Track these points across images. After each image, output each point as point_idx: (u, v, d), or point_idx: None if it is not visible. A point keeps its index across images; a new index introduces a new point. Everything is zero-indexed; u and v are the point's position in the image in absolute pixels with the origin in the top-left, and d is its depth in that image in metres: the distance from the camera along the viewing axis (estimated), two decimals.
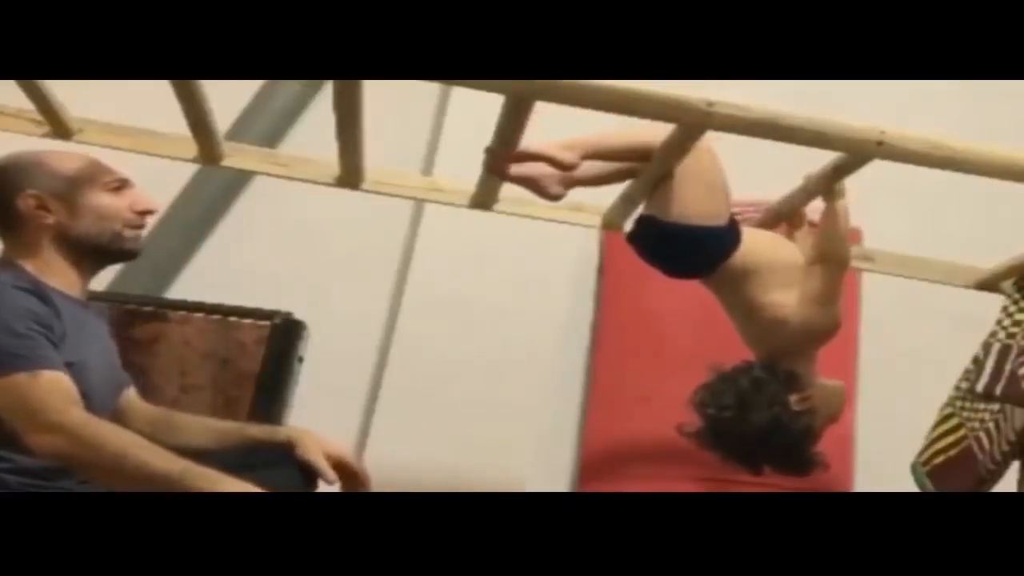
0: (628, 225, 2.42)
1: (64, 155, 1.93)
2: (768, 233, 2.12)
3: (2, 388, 1.65)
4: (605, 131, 1.96)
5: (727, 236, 1.95)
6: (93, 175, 1.89)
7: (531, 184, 1.95)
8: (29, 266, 1.82)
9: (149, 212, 1.95)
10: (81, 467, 1.68)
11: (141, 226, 1.93)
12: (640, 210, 2.08)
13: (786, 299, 1.93)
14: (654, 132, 1.85)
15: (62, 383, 1.67)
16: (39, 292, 1.76)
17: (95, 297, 2.04)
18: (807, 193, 2.15)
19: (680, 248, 1.97)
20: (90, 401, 1.78)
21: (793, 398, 1.90)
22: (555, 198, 1.99)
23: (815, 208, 2.40)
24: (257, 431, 2.02)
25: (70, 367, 1.73)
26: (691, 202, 1.92)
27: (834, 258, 1.94)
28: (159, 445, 1.68)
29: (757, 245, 1.98)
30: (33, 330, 1.69)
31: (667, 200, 1.94)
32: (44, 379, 1.65)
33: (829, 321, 1.96)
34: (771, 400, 1.89)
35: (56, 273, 1.83)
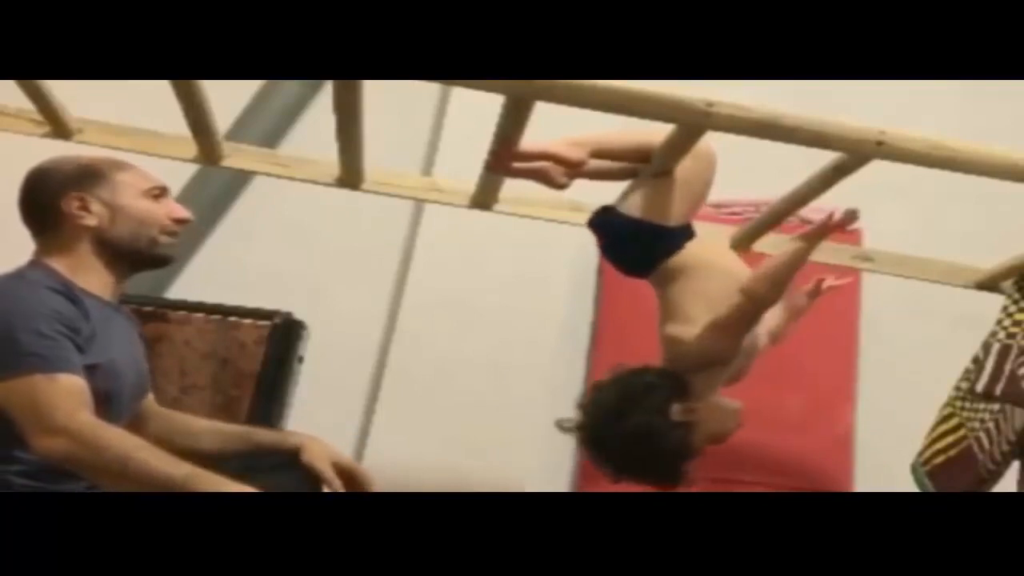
0: None
1: (109, 160, 1.96)
2: (722, 248, 2.03)
3: (18, 387, 1.65)
4: (611, 130, 1.94)
5: (670, 237, 1.87)
6: (135, 181, 1.92)
7: (538, 176, 1.93)
8: (62, 266, 1.83)
9: (184, 221, 1.98)
10: (85, 470, 1.67)
11: (176, 233, 1.96)
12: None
13: (697, 314, 1.82)
14: (659, 133, 1.83)
15: (76, 387, 1.68)
16: (69, 293, 1.77)
17: None
18: (807, 193, 2.15)
19: (621, 240, 1.93)
20: (116, 403, 1.81)
21: (676, 407, 1.78)
22: (562, 187, 1.97)
23: (814, 208, 2.40)
24: (265, 436, 2.04)
25: (97, 368, 1.74)
26: (647, 197, 1.87)
27: (752, 294, 1.76)
28: (176, 449, 1.70)
29: (701, 254, 1.87)
30: (58, 331, 1.70)
31: (628, 191, 1.91)
32: (60, 382, 1.66)
33: (722, 350, 1.81)
34: (653, 407, 1.78)
35: (90, 274, 1.85)
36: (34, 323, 1.69)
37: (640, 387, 1.84)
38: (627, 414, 1.79)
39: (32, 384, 1.64)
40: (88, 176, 1.88)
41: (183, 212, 1.97)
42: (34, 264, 1.85)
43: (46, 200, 1.86)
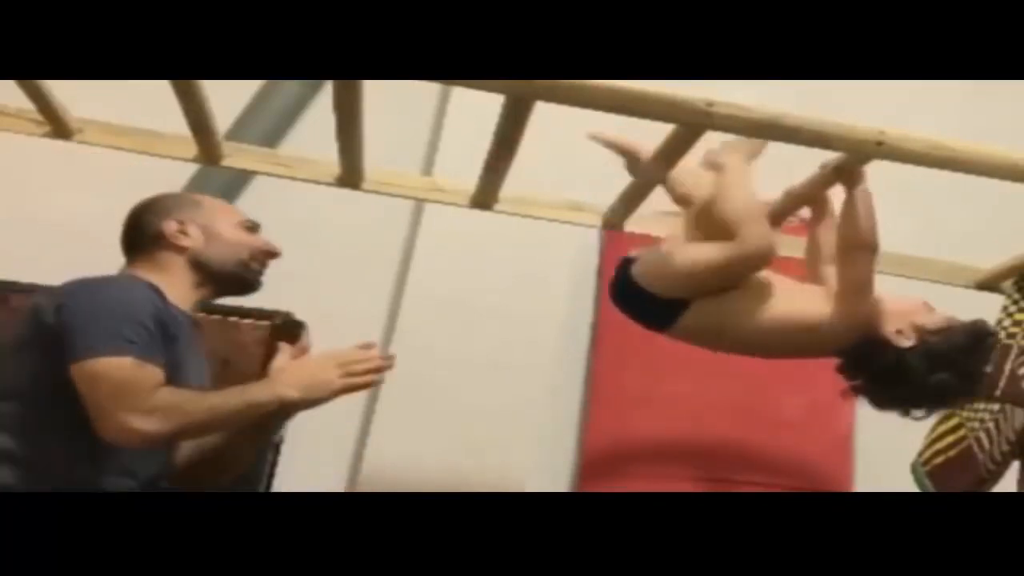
0: (628, 226, 2.43)
1: (209, 198, 2.14)
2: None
3: (109, 366, 1.72)
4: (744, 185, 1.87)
5: (665, 309, 1.87)
6: (230, 213, 2.10)
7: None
8: (154, 279, 1.93)
9: (274, 255, 2.09)
10: (173, 439, 1.84)
11: (265, 264, 2.07)
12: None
13: (806, 304, 1.85)
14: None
15: (159, 378, 1.76)
16: (163, 298, 1.88)
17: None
18: (804, 194, 2.15)
19: (631, 301, 1.92)
20: None
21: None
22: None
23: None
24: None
25: (170, 368, 1.81)
26: (662, 271, 1.85)
27: (863, 245, 1.83)
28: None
29: (705, 306, 1.85)
30: (151, 325, 1.79)
31: (649, 256, 1.89)
32: (148, 370, 1.74)
33: (867, 309, 1.83)
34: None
35: (177, 290, 1.95)
36: (131, 310, 1.79)
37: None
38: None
39: (122, 365, 1.72)
40: (188, 204, 2.04)
41: (274, 247, 2.09)
42: (127, 275, 1.96)
43: (148, 223, 2.00)
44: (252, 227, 2.08)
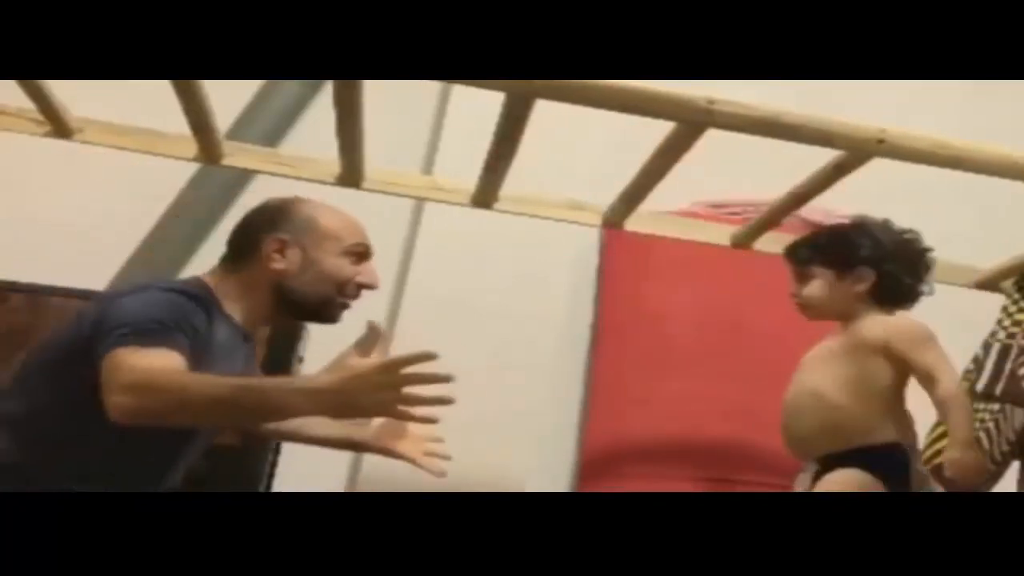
0: (628, 225, 2.43)
1: (330, 210, 1.95)
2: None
3: (113, 358, 1.63)
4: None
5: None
6: (342, 236, 1.92)
7: None
8: (224, 288, 1.85)
9: (370, 287, 1.97)
10: (155, 418, 1.63)
11: (356, 297, 1.95)
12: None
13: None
14: None
15: (165, 355, 1.65)
16: (207, 306, 1.78)
17: (94, 297, 2.05)
18: (807, 191, 2.15)
19: None
20: None
21: None
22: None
23: (812, 208, 2.40)
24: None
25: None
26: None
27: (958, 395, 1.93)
28: None
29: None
30: (175, 322, 1.70)
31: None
32: (149, 353, 1.63)
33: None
34: None
35: (245, 306, 1.86)
36: (155, 314, 1.69)
37: None
38: None
39: (126, 354, 1.63)
40: (297, 220, 1.90)
41: (373, 279, 1.97)
42: (197, 278, 1.89)
43: (251, 232, 1.90)
44: (362, 253, 1.95)
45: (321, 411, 1.65)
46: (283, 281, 1.87)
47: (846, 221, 2.12)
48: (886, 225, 2.05)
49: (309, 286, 1.88)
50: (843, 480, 1.86)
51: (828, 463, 1.92)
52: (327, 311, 1.92)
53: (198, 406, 1.62)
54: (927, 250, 2.07)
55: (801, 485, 1.96)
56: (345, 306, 1.94)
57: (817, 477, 1.92)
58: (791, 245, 2.09)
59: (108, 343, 1.66)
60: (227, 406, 1.63)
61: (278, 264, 1.87)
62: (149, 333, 1.67)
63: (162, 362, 1.63)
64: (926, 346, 1.93)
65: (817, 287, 2.03)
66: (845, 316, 2.03)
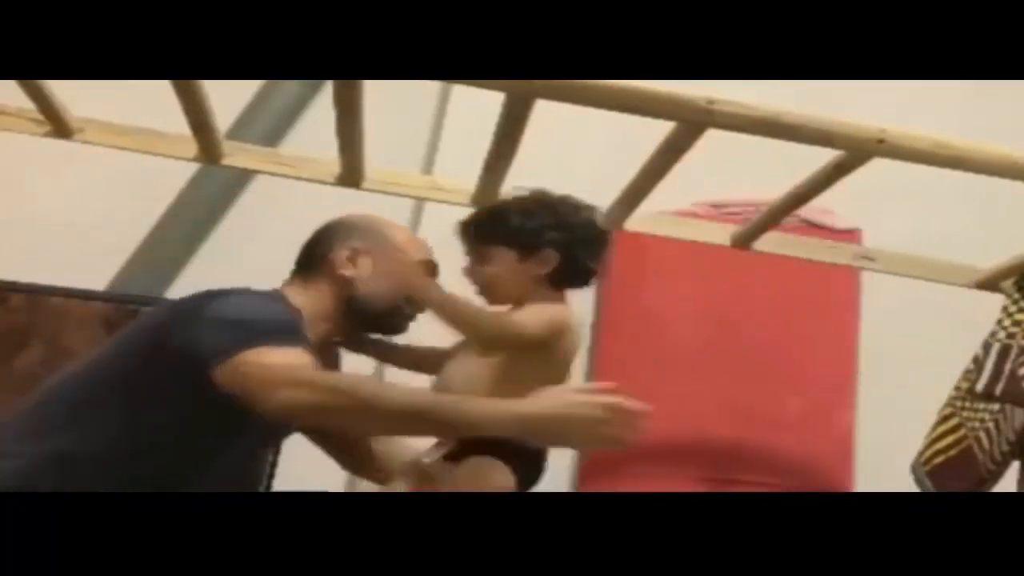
0: (628, 226, 2.43)
1: (399, 226, 2.01)
2: None
3: (251, 357, 1.63)
4: None
5: None
6: (411, 251, 1.94)
7: None
8: (299, 301, 1.85)
9: None
10: (331, 417, 1.66)
11: (421, 312, 1.90)
12: None
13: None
14: None
15: (308, 359, 1.66)
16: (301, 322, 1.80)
17: (94, 297, 2.05)
18: (807, 191, 2.15)
19: None
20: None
21: None
22: None
23: (812, 208, 2.40)
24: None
25: None
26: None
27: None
28: None
29: None
30: (296, 329, 1.74)
31: None
32: (295, 352, 1.65)
33: None
34: None
35: (312, 314, 1.85)
36: (277, 315, 1.74)
37: None
38: None
39: (266, 352, 1.63)
40: (368, 233, 1.93)
41: None
42: (274, 290, 1.89)
43: (323, 243, 1.93)
44: (431, 269, 1.95)
45: (524, 435, 1.61)
46: (352, 289, 1.88)
47: (525, 194, 1.91)
48: (570, 201, 1.83)
49: (378, 294, 1.88)
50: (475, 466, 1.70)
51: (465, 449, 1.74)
52: (393, 321, 1.92)
53: (388, 413, 1.61)
54: (606, 231, 1.88)
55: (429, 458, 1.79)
56: (411, 318, 1.93)
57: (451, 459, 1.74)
58: (466, 221, 1.88)
59: (241, 340, 1.63)
60: (420, 418, 1.62)
61: (348, 272, 1.88)
62: (289, 334, 1.68)
63: (304, 361, 1.64)
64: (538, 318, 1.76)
65: (500, 268, 1.81)
66: (520, 301, 1.81)
